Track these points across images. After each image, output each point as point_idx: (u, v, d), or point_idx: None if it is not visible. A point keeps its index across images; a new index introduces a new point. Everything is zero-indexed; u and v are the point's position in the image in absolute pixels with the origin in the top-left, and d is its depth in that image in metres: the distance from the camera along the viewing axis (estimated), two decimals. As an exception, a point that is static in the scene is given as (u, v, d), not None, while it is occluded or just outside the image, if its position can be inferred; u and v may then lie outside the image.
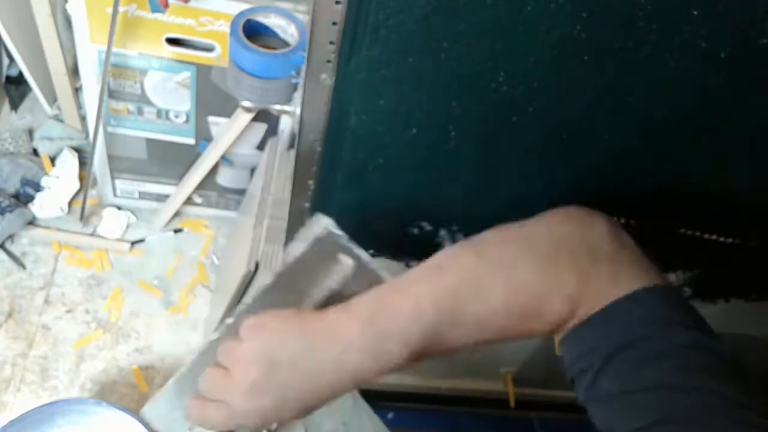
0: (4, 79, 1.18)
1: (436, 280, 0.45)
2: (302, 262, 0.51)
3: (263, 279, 0.52)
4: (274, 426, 0.53)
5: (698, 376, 0.40)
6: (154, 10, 0.83)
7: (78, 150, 1.14)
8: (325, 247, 0.51)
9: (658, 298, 0.44)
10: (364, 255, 0.51)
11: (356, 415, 0.59)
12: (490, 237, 0.48)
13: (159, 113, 0.98)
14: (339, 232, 0.51)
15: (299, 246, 0.51)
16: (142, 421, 0.79)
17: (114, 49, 0.86)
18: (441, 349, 0.46)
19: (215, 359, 0.49)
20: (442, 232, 0.68)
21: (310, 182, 0.62)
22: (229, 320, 0.52)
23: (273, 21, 0.83)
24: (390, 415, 0.91)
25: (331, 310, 0.47)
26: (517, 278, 0.45)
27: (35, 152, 1.14)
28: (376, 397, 0.66)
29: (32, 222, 1.08)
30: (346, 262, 0.51)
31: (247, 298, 0.52)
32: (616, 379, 0.43)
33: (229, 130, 0.96)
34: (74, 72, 1.04)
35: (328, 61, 0.50)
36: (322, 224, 0.51)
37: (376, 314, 0.45)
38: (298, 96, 0.82)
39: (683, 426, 0.39)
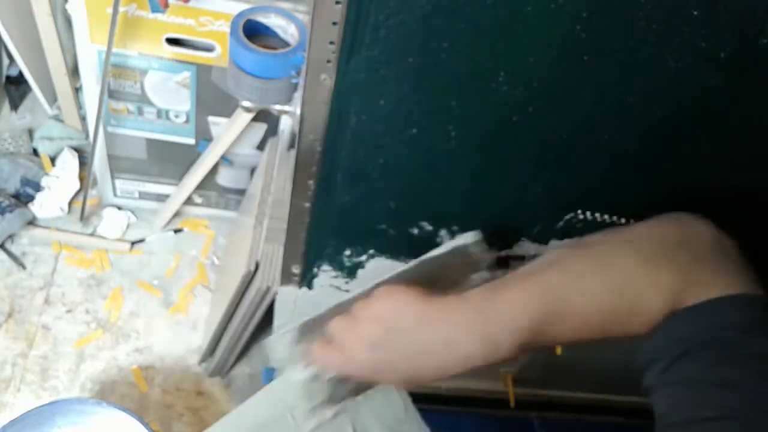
0: (4, 79, 1.18)
1: (544, 276, 0.48)
2: (440, 261, 0.59)
3: (401, 267, 0.60)
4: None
5: None
6: (154, 10, 0.83)
7: (78, 150, 1.14)
8: (464, 258, 0.60)
9: (750, 305, 0.45)
10: (497, 274, 0.56)
11: (406, 423, 0.60)
12: (596, 238, 0.51)
13: (159, 113, 0.98)
14: (480, 247, 0.59)
15: (440, 249, 0.60)
16: (141, 420, 0.79)
17: (114, 49, 0.86)
18: (546, 342, 0.48)
19: (348, 310, 0.54)
20: (442, 232, 0.68)
21: (310, 182, 0.62)
22: (370, 285, 0.58)
23: (273, 21, 0.83)
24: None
25: (450, 295, 0.50)
26: (618, 277, 0.47)
27: (35, 152, 1.14)
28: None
29: (32, 222, 1.08)
30: (477, 277, 0.60)
31: (389, 275, 0.59)
32: (691, 368, 0.43)
33: (229, 130, 0.96)
34: (74, 72, 1.04)
35: (328, 61, 0.50)
36: (468, 237, 0.60)
37: (487, 304, 0.48)
38: (298, 96, 0.82)
39: (749, 429, 0.40)
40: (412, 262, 0.60)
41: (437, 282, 0.58)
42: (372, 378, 0.54)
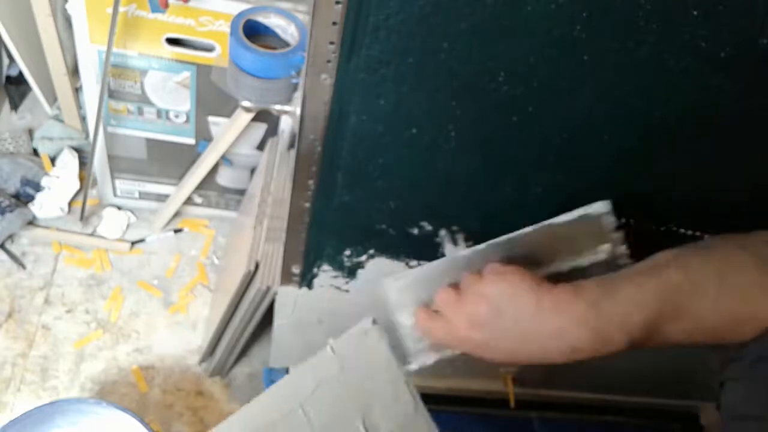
0: (4, 79, 1.18)
1: (660, 275, 0.48)
2: (563, 229, 0.57)
3: (525, 229, 0.58)
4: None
5: None
6: (154, 10, 0.83)
7: (78, 150, 1.14)
8: (591, 228, 0.57)
9: None
10: (622, 249, 0.56)
11: (414, 420, 0.60)
12: (714, 242, 0.51)
13: (159, 113, 0.98)
14: (611, 218, 0.56)
15: (566, 216, 0.57)
16: (141, 420, 0.79)
17: (114, 49, 0.86)
18: (657, 341, 0.48)
19: (458, 280, 0.55)
20: (442, 232, 0.68)
21: (310, 182, 0.62)
22: (484, 246, 0.58)
23: (273, 21, 0.83)
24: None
25: (562, 285, 0.50)
26: (738, 281, 0.47)
27: (35, 152, 1.14)
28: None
29: (32, 222, 1.08)
30: (604, 249, 0.56)
31: (509, 236, 0.57)
32: None
33: (229, 130, 0.96)
34: (74, 72, 1.04)
35: (328, 61, 0.50)
36: (599, 207, 0.56)
37: (601, 298, 0.48)
38: (298, 96, 0.82)
39: None
40: (536, 225, 0.57)
41: (559, 250, 0.57)
42: (471, 353, 0.53)
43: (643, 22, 0.47)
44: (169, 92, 0.94)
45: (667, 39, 0.48)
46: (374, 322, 0.59)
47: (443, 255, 0.71)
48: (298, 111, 0.56)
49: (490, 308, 0.50)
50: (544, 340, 0.49)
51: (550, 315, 0.48)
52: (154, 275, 1.08)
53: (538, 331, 0.49)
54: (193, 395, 0.96)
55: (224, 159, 1.04)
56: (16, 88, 1.19)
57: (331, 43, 0.49)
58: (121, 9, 0.82)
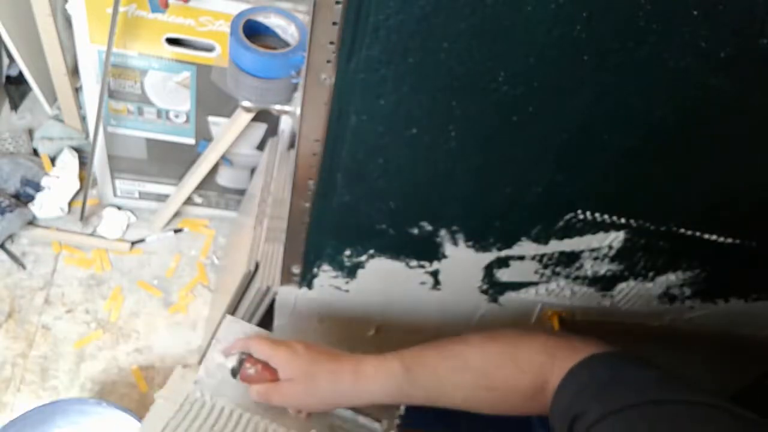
0: (4, 79, 1.18)
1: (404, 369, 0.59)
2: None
3: None
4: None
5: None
6: (154, 10, 0.83)
7: (78, 150, 1.14)
8: None
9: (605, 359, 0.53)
10: None
11: (347, 422, 0.63)
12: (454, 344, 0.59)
13: (159, 113, 0.98)
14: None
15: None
16: (141, 420, 0.79)
17: (114, 49, 0.86)
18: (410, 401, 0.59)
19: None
20: (442, 232, 0.68)
21: (310, 182, 0.62)
22: None
23: (273, 21, 0.83)
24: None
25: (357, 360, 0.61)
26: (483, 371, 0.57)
27: (35, 152, 1.14)
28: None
29: (32, 222, 1.08)
30: None
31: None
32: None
33: (229, 130, 0.96)
34: (74, 72, 1.04)
35: (328, 61, 0.50)
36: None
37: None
38: (298, 96, 0.82)
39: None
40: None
41: None
42: (294, 405, 0.63)
43: (643, 22, 0.47)
44: (169, 92, 0.94)
45: (667, 39, 0.48)
46: (184, 366, 0.67)
47: (443, 255, 0.71)
48: (298, 111, 0.56)
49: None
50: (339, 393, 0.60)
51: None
52: (154, 275, 1.08)
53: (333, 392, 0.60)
54: (193, 395, 0.96)
55: (224, 159, 1.04)
56: (16, 88, 1.19)
57: (331, 43, 0.49)
58: (121, 9, 0.82)
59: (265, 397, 0.61)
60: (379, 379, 0.58)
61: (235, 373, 0.63)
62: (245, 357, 0.63)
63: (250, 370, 0.62)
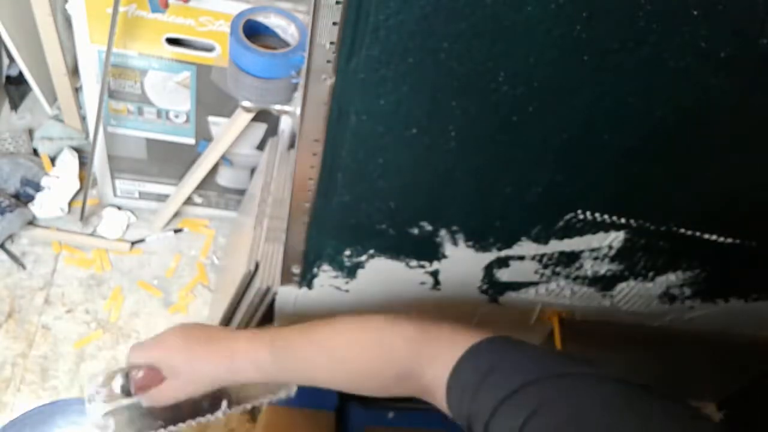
0: (4, 79, 1.18)
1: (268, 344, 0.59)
2: None
3: None
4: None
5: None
6: (154, 10, 0.83)
7: (78, 150, 1.14)
8: None
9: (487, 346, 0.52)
10: None
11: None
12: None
13: (159, 113, 0.98)
14: None
15: None
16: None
17: (114, 49, 0.86)
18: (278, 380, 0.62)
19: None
20: (442, 232, 0.68)
21: (310, 182, 0.62)
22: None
23: (273, 21, 0.83)
24: (390, 415, 0.91)
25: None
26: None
27: (35, 152, 1.14)
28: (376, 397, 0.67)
29: (32, 222, 1.08)
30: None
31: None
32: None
33: (229, 130, 0.96)
34: (74, 72, 1.04)
35: (328, 61, 0.50)
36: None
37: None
38: (298, 96, 0.82)
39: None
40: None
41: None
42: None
43: (643, 22, 0.47)
44: (169, 92, 0.94)
45: (667, 39, 0.48)
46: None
47: (443, 255, 0.71)
48: (298, 111, 0.56)
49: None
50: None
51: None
52: (154, 275, 1.08)
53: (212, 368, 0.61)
54: (193, 395, 0.96)
55: (224, 159, 1.04)
56: (16, 88, 1.19)
57: (331, 43, 0.49)
58: (121, 9, 0.82)
59: (154, 400, 0.61)
60: (249, 358, 0.59)
61: (126, 388, 0.61)
62: (127, 370, 0.62)
63: (138, 374, 0.61)
